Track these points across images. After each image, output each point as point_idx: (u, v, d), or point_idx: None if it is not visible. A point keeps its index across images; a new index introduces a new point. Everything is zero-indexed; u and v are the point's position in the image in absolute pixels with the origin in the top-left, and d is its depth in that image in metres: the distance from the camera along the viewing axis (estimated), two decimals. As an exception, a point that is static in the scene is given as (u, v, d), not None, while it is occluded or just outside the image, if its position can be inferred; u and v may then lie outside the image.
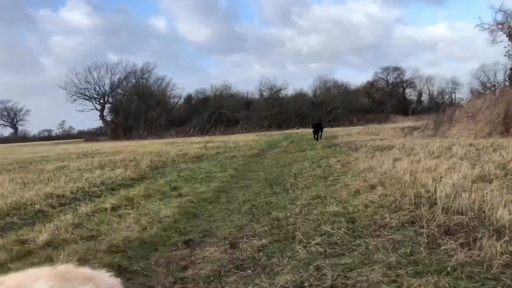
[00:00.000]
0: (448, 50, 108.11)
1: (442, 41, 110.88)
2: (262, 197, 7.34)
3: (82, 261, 4.21)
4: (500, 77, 54.68)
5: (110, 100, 71.51)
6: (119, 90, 71.36)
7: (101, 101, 71.23)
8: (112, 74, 70.04)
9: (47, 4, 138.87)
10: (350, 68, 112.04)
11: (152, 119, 64.36)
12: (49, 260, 4.32)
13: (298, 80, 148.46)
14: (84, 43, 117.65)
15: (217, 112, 62.78)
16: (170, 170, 12.29)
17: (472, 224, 4.04)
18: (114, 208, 6.89)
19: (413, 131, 22.01)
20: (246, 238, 4.75)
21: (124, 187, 9.40)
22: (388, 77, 72.06)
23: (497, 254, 3.21)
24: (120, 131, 65.38)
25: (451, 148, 10.78)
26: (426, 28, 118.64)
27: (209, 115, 62.82)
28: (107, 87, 70.52)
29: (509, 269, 3.06)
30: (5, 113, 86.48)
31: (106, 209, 6.81)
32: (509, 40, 33.63)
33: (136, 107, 65.67)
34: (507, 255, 3.18)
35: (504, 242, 3.37)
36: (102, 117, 71.71)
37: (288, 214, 5.62)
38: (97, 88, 70.22)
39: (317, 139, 22.51)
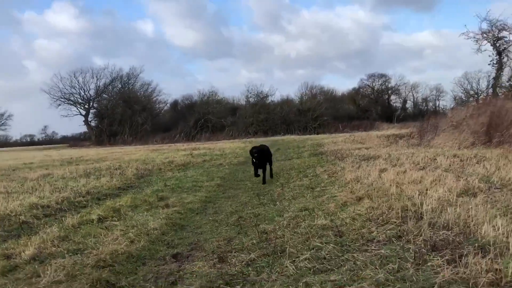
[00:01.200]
0: (433, 57, 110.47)
1: (428, 48, 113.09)
2: (250, 208, 7.36)
3: (70, 276, 4.18)
4: (483, 85, 55.60)
5: (95, 105, 70.96)
6: (104, 95, 70.96)
7: (86, 106, 70.67)
8: (97, 79, 69.72)
9: (32, 6, 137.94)
10: (337, 75, 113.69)
11: (138, 124, 63.97)
12: (36, 276, 4.28)
13: (285, 86, 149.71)
14: (69, 46, 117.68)
15: (203, 118, 62.67)
16: (156, 179, 12.23)
17: (457, 240, 4.10)
18: (100, 220, 6.84)
19: (398, 139, 22.23)
20: (235, 252, 4.75)
21: (110, 196, 9.33)
22: (373, 84, 72.86)
23: (482, 272, 3.27)
24: (104, 137, 64.89)
25: (435, 159, 10.92)
26: (413, 35, 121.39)
27: (195, 121, 62.69)
28: (92, 92, 70.16)
29: (494, 287, 3.12)
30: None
31: (92, 221, 6.76)
32: (493, 49, 34.26)
33: (121, 113, 65.23)
34: (492, 273, 3.23)
35: (489, 259, 3.42)
36: (86, 122, 71.02)
37: (276, 226, 5.63)
38: (82, 93, 69.81)
39: (264, 180, 10.49)
